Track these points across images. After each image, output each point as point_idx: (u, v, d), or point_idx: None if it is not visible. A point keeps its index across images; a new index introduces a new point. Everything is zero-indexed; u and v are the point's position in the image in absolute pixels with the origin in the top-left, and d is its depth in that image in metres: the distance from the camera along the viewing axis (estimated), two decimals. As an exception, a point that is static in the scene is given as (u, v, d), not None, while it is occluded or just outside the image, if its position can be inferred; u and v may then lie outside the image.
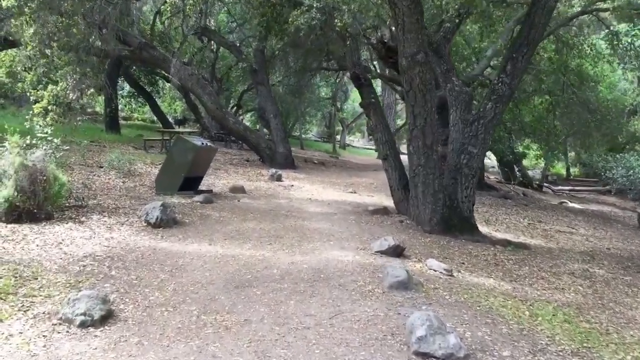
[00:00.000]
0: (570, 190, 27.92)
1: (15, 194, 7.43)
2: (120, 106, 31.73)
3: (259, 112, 32.75)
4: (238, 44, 21.55)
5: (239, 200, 10.91)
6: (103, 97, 23.46)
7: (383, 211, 10.10)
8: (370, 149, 54.65)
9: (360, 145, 58.46)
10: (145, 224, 8.10)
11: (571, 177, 34.12)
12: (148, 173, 12.97)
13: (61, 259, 6.06)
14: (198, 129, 27.56)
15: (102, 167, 12.44)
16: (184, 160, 10.64)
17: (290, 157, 18.15)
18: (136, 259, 6.41)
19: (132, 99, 29.67)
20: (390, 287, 5.59)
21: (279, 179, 14.61)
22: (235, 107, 30.32)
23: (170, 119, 31.23)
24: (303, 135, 39.59)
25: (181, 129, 23.73)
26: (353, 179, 16.69)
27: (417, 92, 8.97)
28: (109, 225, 7.82)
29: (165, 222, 8.15)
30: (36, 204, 7.60)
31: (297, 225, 8.81)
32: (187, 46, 22.35)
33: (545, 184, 28.17)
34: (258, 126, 30.55)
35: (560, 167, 35.41)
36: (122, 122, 31.50)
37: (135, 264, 6.21)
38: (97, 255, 6.34)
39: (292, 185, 13.84)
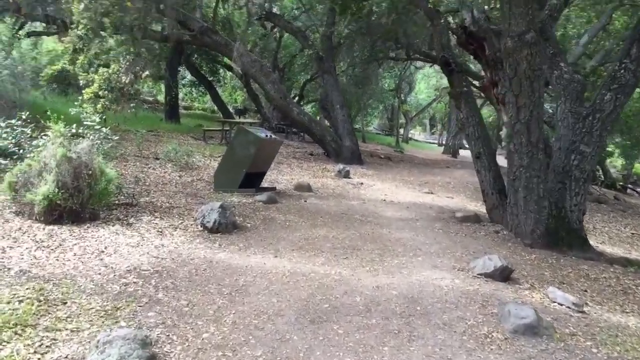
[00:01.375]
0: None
1: (56, 190, 6.45)
2: (180, 95, 31.29)
3: (320, 103, 31.71)
4: (304, 30, 20.32)
5: (305, 201, 9.72)
6: (164, 85, 22.86)
7: (474, 219, 8.68)
8: (433, 143, 52.97)
9: (422, 139, 56.75)
10: (202, 229, 7.01)
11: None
12: (206, 166, 11.97)
13: (100, 274, 5.00)
14: (258, 119, 26.67)
15: (158, 159, 11.51)
16: (245, 154, 9.53)
17: (357, 152, 16.87)
18: (189, 275, 5.28)
19: (193, 88, 28.98)
20: (515, 331, 4.23)
21: (346, 175, 13.35)
22: (297, 98, 29.24)
23: (230, 109, 30.49)
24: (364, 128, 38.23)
25: (242, 119, 22.82)
26: (426, 177, 15.25)
27: (522, 79, 7.50)
28: (160, 229, 6.76)
29: (224, 227, 7.03)
30: (79, 202, 6.61)
31: (375, 234, 7.52)
32: (250, 33, 21.40)
33: (629, 185, 25.84)
34: (319, 118, 29.41)
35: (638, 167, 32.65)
36: (182, 111, 31.02)
37: (188, 282, 5.09)
38: (143, 269, 5.25)
39: (362, 184, 12.55)
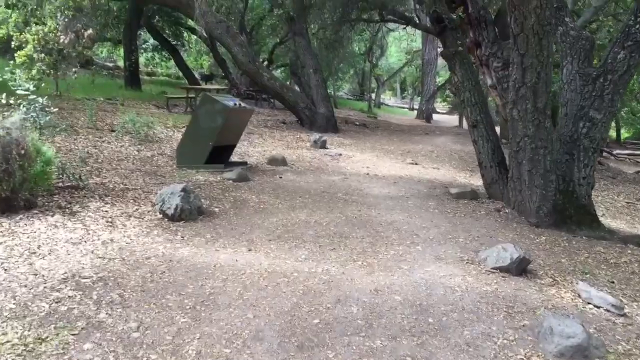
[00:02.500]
0: (630, 155, 25.13)
1: (-21, 175, 5.30)
2: (143, 60, 29.59)
3: (291, 68, 30.37)
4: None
5: (280, 177, 8.67)
6: (122, 50, 21.29)
7: (470, 195, 7.77)
8: (404, 107, 52.14)
9: (394, 104, 55.90)
10: (161, 216, 5.93)
11: (622, 140, 31.19)
12: (169, 139, 10.80)
13: (25, 285, 3.91)
14: (226, 86, 25.32)
15: (114, 132, 10.28)
16: (212, 125, 8.41)
17: (332, 119, 15.81)
18: (142, 281, 4.23)
19: (156, 53, 27.33)
20: (560, 354, 3.32)
21: (323, 145, 12.33)
22: (266, 62, 27.85)
23: (196, 75, 28.98)
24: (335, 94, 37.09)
25: (208, 86, 21.47)
26: (407, 145, 14.31)
27: (530, 36, 6.51)
28: (110, 219, 5.65)
29: (188, 214, 5.96)
30: (10, 188, 5.45)
31: (363, 217, 6.55)
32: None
33: (605, 148, 25.43)
34: (289, 83, 28.14)
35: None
36: (145, 77, 29.40)
37: (141, 292, 4.04)
38: (83, 277, 4.17)
39: (340, 155, 11.54)
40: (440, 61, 38.69)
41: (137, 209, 6.08)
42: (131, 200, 6.38)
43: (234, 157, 9.95)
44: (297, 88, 23.88)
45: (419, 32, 43.08)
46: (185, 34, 27.18)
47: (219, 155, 8.99)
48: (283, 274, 4.57)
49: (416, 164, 11.39)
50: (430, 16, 7.74)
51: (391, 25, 34.27)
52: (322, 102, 15.75)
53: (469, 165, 12.08)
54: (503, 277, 4.75)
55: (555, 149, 7.19)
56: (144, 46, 28.92)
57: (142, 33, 26.41)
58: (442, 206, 7.26)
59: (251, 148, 11.21)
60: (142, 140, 10.03)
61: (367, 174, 9.56)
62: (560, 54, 7.85)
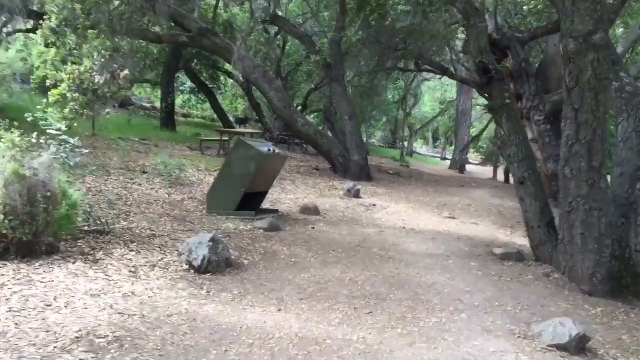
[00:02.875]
0: None
1: (1, 217, 5.07)
2: (179, 102, 29.96)
3: (325, 114, 30.38)
4: (311, 36, 19.00)
5: (313, 227, 8.30)
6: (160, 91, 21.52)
7: (516, 257, 7.25)
8: (436, 156, 51.65)
9: (426, 153, 55.48)
10: (187, 267, 5.59)
11: None
12: (200, 182, 10.58)
13: (35, 344, 3.57)
14: (260, 130, 25.34)
15: (145, 173, 10.11)
16: (244, 170, 8.14)
17: (366, 168, 15.47)
18: (162, 344, 3.85)
19: (192, 95, 27.62)
20: None
21: (357, 195, 11.95)
22: (300, 108, 27.88)
23: (231, 118, 29.16)
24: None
25: (242, 129, 21.47)
26: (443, 197, 13.83)
27: (585, 90, 6.13)
28: (133, 268, 5.34)
29: (215, 266, 5.62)
30: (32, 232, 5.21)
31: (401, 276, 6.10)
32: (252, 38, 20.10)
33: None
34: (322, 129, 28.06)
35: None
36: (180, 119, 29.70)
37: (159, 357, 3.66)
38: (99, 335, 3.82)
39: (375, 205, 11.13)
40: (475, 112, 38.53)
41: (162, 258, 5.76)
42: (157, 248, 6.07)
43: (266, 204, 9.64)
44: (330, 134, 23.75)
45: (453, 82, 43.15)
46: (222, 78, 27.46)
47: (251, 202, 8.69)
48: (315, 341, 4.15)
49: (454, 218, 10.90)
50: (477, 66, 7.41)
51: (426, 74, 34.27)
52: (356, 149, 15.45)
53: (509, 222, 11.54)
54: (561, 356, 4.25)
55: (610, 211, 6.68)
56: (181, 88, 29.32)
57: (179, 75, 26.79)
58: (486, 268, 6.76)
59: (283, 195, 10.90)
60: (173, 183, 9.82)
61: (404, 227, 9.12)
62: (615, 111, 7.43)
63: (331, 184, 13.34)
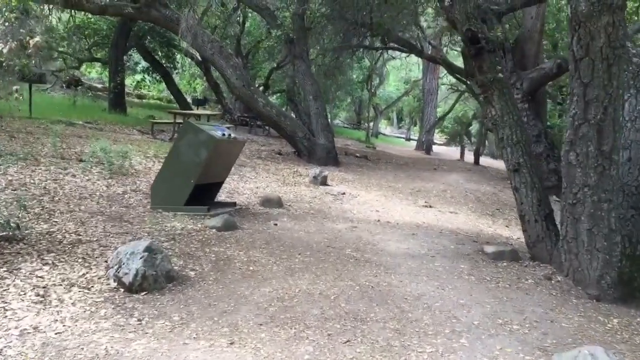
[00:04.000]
0: None
1: None
2: (131, 82, 28.29)
3: (287, 94, 29.15)
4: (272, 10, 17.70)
5: (275, 224, 7.20)
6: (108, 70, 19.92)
7: (510, 255, 6.29)
8: (401, 137, 51.08)
9: (390, 134, 54.88)
10: (115, 285, 4.44)
11: None
12: (147, 171, 9.34)
13: None
14: (219, 111, 23.99)
15: (82, 162, 8.81)
16: (194, 159, 6.97)
17: (333, 151, 14.40)
18: (61, 413, 2.73)
19: (146, 74, 25.99)
20: None
21: (324, 182, 10.88)
22: (262, 88, 26.58)
23: (189, 99, 27.64)
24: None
25: (199, 111, 20.10)
26: (416, 182, 12.88)
27: (597, 61, 5.16)
28: (43, 290, 4.15)
29: (152, 282, 4.48)
30: None
31: (381, 286, 5.06)
32: (209, 14, 18.70)
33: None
34: (285, 110, 26.86)
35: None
36: (134, 100, 28.09)
37: None
38: (-32, 406, 2.68)
39: (344, 194, 10.08)
40: (441, 92, 37.80)
41: (85, 274, 4.58)
42: (80, 259, 4.88)
43: (222, 196, 8.50)
44: (293, 116, 22.61)
45: (417, 61, 42.34)
46: (178, 56, 25.87)
47: (203, 195, 7.54)
48: (278, 394, 3.08)
49: (430, 206, 9.94)
50: (465, 35, 6.36)
51: (392, 53, 33.32)
52: (322, 132, 14.36)
53: (488, 209, 10.67)
54: (599, 403, 3.27)
55: (619, 203, 5.77)
56: (137, 68, 27.60)
57: (132, 54, 25.12)
58: (478, 271, 5.78)
59: (242, 184, 9.75)
60: (114, 173, 8.57)
61: (378, 220, 8.09)
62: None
63: (295, 169, 12.24)
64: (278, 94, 37.06)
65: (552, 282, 5.62)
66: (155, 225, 6.27)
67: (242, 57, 23.76)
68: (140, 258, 4.50)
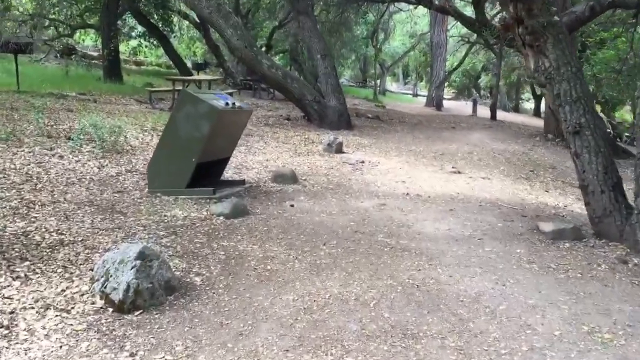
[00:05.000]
0: None
1: None
2: (126, 49, 27.11)
3: (291, 54, 27.93)
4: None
5: (292, 205, 6.26)
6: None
7: (571, 234, 5.34)
8: (407, 93, 49.83)
9: (397, 90, 53.63)
10: (102, 303, 3.55)
11: None
12: (145, 147, 8.42)
13: None
14: (221, 75, 22.86)
15: (71, 140, 7.86)
16: (195, 133, 6.02)
17: (345, 114, 13.36)
18: None
19: (143, 40, 24.72)
20: None
21: (339, 149, 9.91)
22: (264, 49, 25.33)
23: (189, 64, 26.42)
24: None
25: (200, 76, 19.00)
26: (437, 144, 11.88)
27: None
28: (8, 317, 3.26)
29: (148, 297, 3.59)
30: None
31: (428, 284, 4.15)
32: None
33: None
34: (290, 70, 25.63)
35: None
36: (132, 67, 26.97)
37: None
38: None
39: (363, 162, 9.12)
40: (452, 43, 36.33)
41: (64, 290, 3.69)
42: (60, 269, 3.98)
43: (228, 172, 7.57)
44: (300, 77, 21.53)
45: (423, 13, 40.73)
46: (175, 19, 24.54)
47: (207, 173, 6.61)
48: None
49: (459, 172, 8.97)
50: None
51: (398, 5, 31.86)
52: (333, 93, 13.29)
53: (521, 171, 9.69)
54: None
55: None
56: (132, 33, 26.30)
57: (126, 18, 23.83)
58: (539, 256, 4.85)
59: (250, 156, 8.79)
60: (107, 152, 7.64)
61: (407, 194, 7.14)
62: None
63: (307, 136, 11.25)
64: (281, 55, 35.79)
65: (630, 266, 4.70)
66: (153, 216, 5.35)
67: (242, 17, 22.51)
68: (132, 268, 3.60)
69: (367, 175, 8.25)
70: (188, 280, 4.01)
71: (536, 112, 37.59)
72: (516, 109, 38.69)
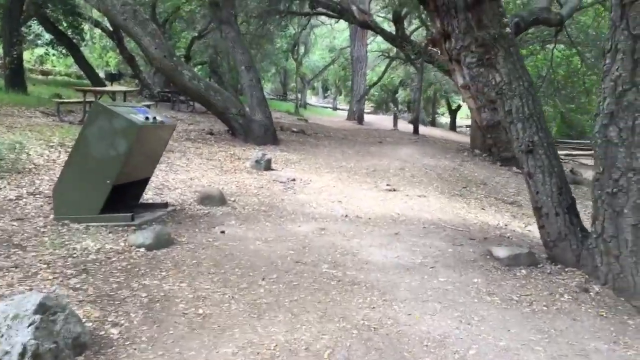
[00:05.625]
0: (566, 155, 23.71)
1: None
2: (29, 57, 25.31)
3: (210, 65, 27.10)
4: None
5: (223, 231, 5.60)
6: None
7: (527, 260, 5.00)
8: (327, 106, 50.04)
9: (317, 104, 53.88)
10: (-11, 374, 2.79)
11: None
12: (51, 166, 7.47)
13: None
14: (136, 87, 21.71)
15: (-39, 159, 6.83)
16: (110, 152, 5.26)
17: (271, 128, 12.80)
18: None
19: (50, 48, 23.07)
20: None
21: (268, 166, 9.33)
22: (183, 60, 24.34)
23: (102, 74, 24.97)
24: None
25: (114, 87, 17.85)
26: (367, 159, 11.54)
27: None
28: None
29: (51, 363, 2.86)
30: None
31: (387, 328, 3.63)
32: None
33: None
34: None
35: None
36: (38, 77, 25.23)
37: None
38: None
39: (294, 180, 8.58)
40: (371, 58, 36.72)
41: (-62, 357, 2.88)
42: None
43: (148, 193, 6.81)
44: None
45: (343, 28, 41.04)
46: (86, 26, 23.09)
47: (124, 195, 5.85)
48: None
49: (395, 189, 8.62)
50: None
51: (320, 19, 31.82)
52: (258, 107, 12.71)
53: (455, 188, 9.49)
54: None
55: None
56: (39, 41, 24.52)
57: (32, 24, 22.17)
58: (498, 286, 4.46)
59: (172, 175, 8.04)
60: (6, 171, 6.68)
61: (346, 215, 6.65)
62: None
63: (232, 152, 10.59)
64: (200, 66, 34.86)
65: (592, 294, 4.40)
66: (59, 249, 4.55)
67: (159, 26, 21.51)
68: (30, 325, 2.86)
69: (301, 194, 7.72)
70: (103, 333, 3.29)
71: (452, 127, 38.69)
72: (433, 123, 39.62)
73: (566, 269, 4.86)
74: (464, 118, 47.39)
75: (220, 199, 6.72)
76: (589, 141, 30.29)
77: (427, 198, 8.26)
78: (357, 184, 8.87)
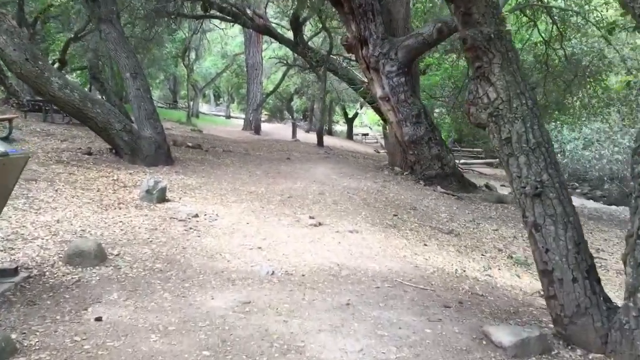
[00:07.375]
0: (463, 164, 23.70)
1: None
2: None
3: (90, 71, 24.29)
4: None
5: (99, 318, 3.80)
6: None
7: (539, 346, 3.64)
8: (220, 115, 48.22)
9: (209, 112, 52.13)
10: None
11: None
12: None
13: None
14: (2, 94, 18.83)
15: None
16: None
17: (164, 145, 10.86)
18: None
19: None
20: None
21: (162, 197, 7.50)
22: (57, 65, 21.54)
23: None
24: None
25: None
26: (280, 182, 9.96)
27: None
28: None
29: None
30: None
31: None
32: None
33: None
34: (89, 91, 22.12)
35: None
36: None
37: None
38: None
39: (197, 217, 6.82)
40: (267, 65, 35.27)
41: None
42: None
43: (-8, 250, 4.83)
44: (99, 97, 18.49)
45: (235, 35, 39.36)
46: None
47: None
48: None
49: (320, 223, 7.12)
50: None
51: (212, 23, 30.04)
52: (148, 120, 10.74)
53: (385, 217, 8.18)
54: None
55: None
56: None
57: None
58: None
59: (31, 216, 6.02)
60: None
61: (272, 272, 5.01)
62: None
63: (116, 177, 8.61)
64: (78, 72, 31.77)
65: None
66: None
67: (28, 27, 18.76)
68: None
69: (207, 237, 6.00)
70: None
71: (349, 135, 38.27)
72: (330, 132, 38.87)
73: (590, 357, 3.57)
74: (358, 126, 47.32)
75: (97, 255, 4.87)
76: (480, 149, 30.95)
77: (360, 234, 6.84)
78: (275, 217, 7.29)
